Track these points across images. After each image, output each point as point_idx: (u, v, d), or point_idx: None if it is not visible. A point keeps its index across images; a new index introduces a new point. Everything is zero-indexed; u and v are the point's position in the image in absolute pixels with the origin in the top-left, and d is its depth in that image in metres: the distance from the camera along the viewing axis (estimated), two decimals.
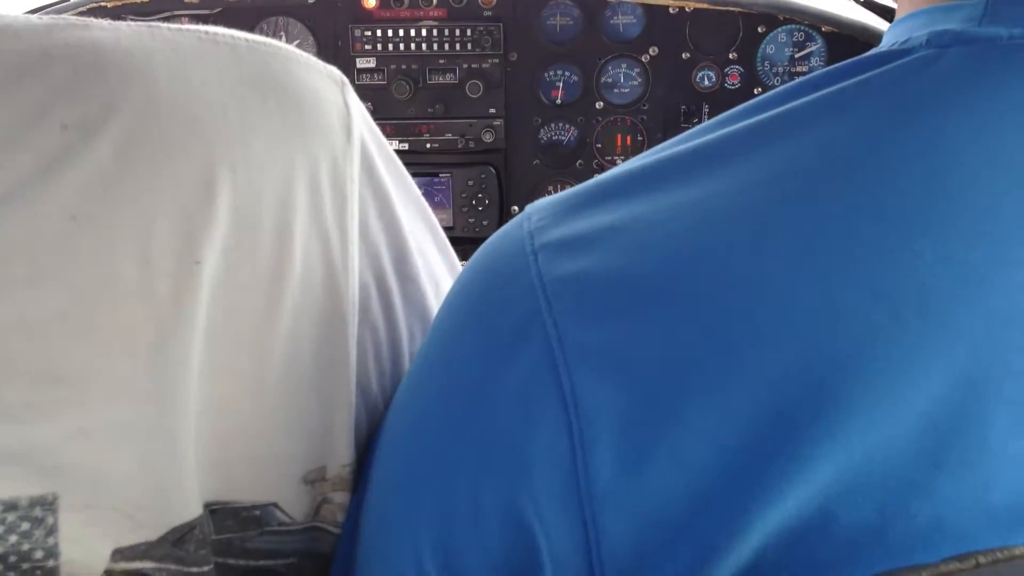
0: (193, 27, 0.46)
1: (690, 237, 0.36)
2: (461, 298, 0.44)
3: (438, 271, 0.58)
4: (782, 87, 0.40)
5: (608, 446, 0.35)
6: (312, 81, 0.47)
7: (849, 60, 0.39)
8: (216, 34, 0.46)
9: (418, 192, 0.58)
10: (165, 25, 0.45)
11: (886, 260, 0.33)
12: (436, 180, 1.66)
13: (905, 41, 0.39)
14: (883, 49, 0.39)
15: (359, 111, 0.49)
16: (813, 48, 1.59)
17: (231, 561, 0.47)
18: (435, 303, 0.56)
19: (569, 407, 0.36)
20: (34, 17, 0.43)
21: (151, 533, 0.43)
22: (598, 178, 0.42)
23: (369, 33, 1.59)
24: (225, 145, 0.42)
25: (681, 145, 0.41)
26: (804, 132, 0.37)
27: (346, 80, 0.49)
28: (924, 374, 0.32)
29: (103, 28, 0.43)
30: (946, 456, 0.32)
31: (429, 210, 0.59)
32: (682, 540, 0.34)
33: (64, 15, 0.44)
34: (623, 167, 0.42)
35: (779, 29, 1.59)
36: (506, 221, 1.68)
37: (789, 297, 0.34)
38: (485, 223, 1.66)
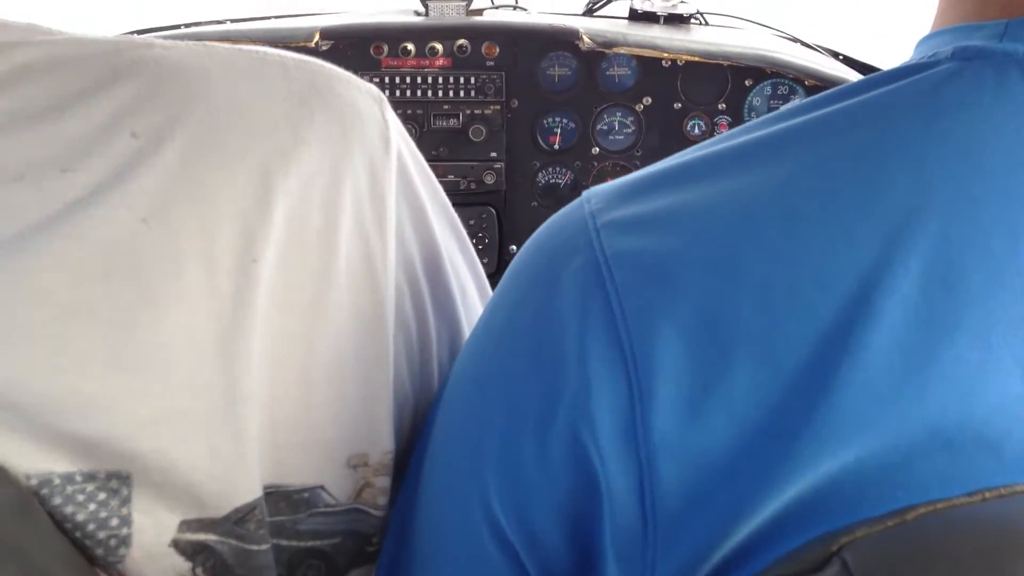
0: (246, 47, 0.50)
1: (736, 220, 0.41)
2: (525, 268, 0.48)
3: (465, 280, 0.62)
4: (824, 92, 0.46)
5: (664, 398, 0.39)
6: (353, 97, 0.51)
7: (882, 71, 0.45)
8: (266, 53, 0.50)
9: (449, 205, 0.61)
10: (221, 45, 0.49)
11: (914, 240, 0.38)
12: None
13: (932, 55, 0.44)
14: (912, 62, 0.45)
15: (396, 126, 0.53)
16: (796, 101, 1.68)
17: (283, 543, 0.50)
18: (462, 310, 0.60)
19: (629, 363, 0.40)
20: (100, 37, 0.47)
21: (216, 512, 0.46)
22: (646, 170, 0.47)
23: (377, 80, 1.66)
24: (278, 153, 0.46)
25: (722, 144, 0.46)
26: (843, 131, 0.42)
27: (384, 98, 0.53)
28: (945, 336, 0.37)
29: (165, 47, 0.47)
30: (969, 410, 0.37)
31: (459, 223, 0.63)
32: (728, 485, 0.38)
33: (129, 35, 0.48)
34: (667, 162, 0.47)
35: (765, 82, 1.68)
36: (505, 260, 1.73)
37: (821, 269, 0.39)
38: (485, 261, 1.72)
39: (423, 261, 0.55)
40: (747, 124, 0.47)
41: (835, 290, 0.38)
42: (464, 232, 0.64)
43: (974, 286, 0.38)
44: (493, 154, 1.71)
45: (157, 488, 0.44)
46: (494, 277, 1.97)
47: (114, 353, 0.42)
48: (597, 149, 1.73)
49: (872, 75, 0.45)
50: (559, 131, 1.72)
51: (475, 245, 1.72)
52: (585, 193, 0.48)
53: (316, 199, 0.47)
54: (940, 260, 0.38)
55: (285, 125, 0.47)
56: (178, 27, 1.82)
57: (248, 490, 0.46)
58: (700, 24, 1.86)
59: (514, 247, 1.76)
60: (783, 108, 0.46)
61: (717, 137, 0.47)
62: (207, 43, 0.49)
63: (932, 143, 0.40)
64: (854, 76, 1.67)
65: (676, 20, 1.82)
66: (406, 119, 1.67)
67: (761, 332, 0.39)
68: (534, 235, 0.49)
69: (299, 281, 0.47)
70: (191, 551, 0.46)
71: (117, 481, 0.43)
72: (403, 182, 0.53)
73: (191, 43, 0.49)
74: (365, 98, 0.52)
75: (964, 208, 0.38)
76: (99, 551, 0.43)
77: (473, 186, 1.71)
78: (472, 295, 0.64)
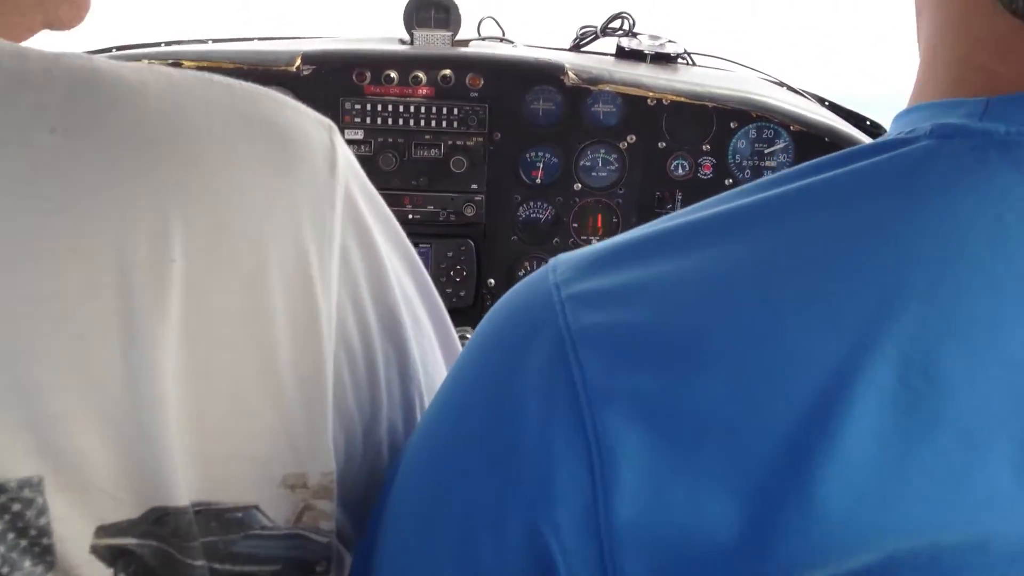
0: (193, 71, 0.49)
1: (709, 298, 0.39)
2: (486, 341, 0.46)
3: (418, 309, 0.61)
4: (800, 166, 0.44)
5: (628, 485, 0.37)
6: (300, 121, 0.50)
7: (860, 145, 0.43)
8: (214, 76, 0.49)
9: (402, 234, 0.60)
10: (166, 68, 0.49)
11: (891, 325, 0.36)
12: (416, 250, 1.69)
13: (910, 131, 0.42)
14: (889, 137, 0.43)
15: (345, 154, 0.52)
16: (780, 145, 1.68)
17: (216, 565, 0.48)
18: (412, 334, 0.58)
19: (592, 447, 0.38)
20: (45, 49, 0.46)
21: (133, 512, 0.44)
22: (616, 239, 0.45)
23: (359, 106, 1.64)
24: (207, 161, 0.45)
25: (695, 214, 0.44)
26: (820, 207, 0.41)
27: (335, 127, 0.52)
28: (925, 427, 0.35)
29: (106, 62, 0.47)
30: (954, 508, 0.35)
31: (413, 251, 0.62)
32: None
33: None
34: (639, 231, 0.45)
35: (750, 125, 1.68)
36: (482, 293, 1.71)
37: (797, 353, 0.37)
38: (462, 294, 1.69)
39: (369, 283, 0.54)
40: (721, 195, 0.45)
41: (811, 375, 0.36)
42: (421, 265, 0.63)
43: (954, 376, 0.35)
44: (474, 186, 1.69)
45: (70, 491, 0.43)
46: (470, 311, 1.93)
47: (25, 345, 0.41)
48: (579, 185, 1.71)
49: (850, 149, 0.43)
50: (542, 165, 1.70)
51: (453, 278, 1.70)
52: (552, 260, 0.46)
53: (247, 207, 0.46)
54: (918, 347, 0.36)
55: (221, 135, 0.47)
56: (158, 45, 1.79)
57: (167, 495, 0.45)
58: (687, 64, 1.86)
59: (492, 281, 1.73)
60: (760, 180, 0.45)
61: (692, 206, 0.45)
62: (154, 64, 0.50)
63: (910, 224, 0.38)
64: (838, 122, 1.66)
65: (663, 60, 1.81)
66: (386, 148, 1.65)
67: (733, 418, 0.37)
68: (497, 304, 0.47)
69: (226, 287, 0.46)
70: (111, 557, 0.45)
71: (30, 490, 0.42)
72: (349, 205, 0.51)
73: (136, 63, 0.49)
74: (313, 124, 0.51)
75: (942, 293, 0.36)
76: (26, 563, 0.43)
77: (453, 218, 1.69)
78: (425, 325, 0.62)
